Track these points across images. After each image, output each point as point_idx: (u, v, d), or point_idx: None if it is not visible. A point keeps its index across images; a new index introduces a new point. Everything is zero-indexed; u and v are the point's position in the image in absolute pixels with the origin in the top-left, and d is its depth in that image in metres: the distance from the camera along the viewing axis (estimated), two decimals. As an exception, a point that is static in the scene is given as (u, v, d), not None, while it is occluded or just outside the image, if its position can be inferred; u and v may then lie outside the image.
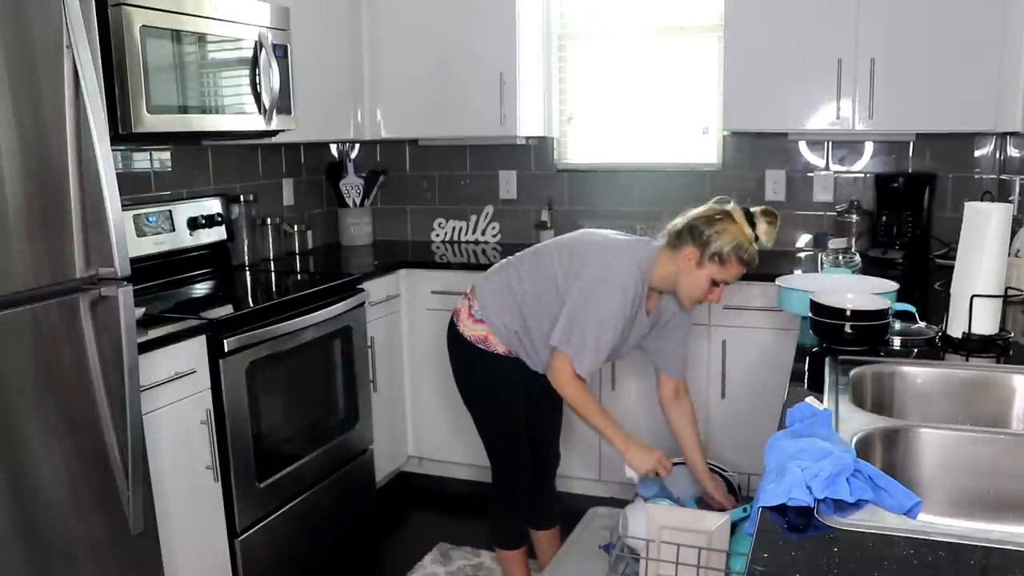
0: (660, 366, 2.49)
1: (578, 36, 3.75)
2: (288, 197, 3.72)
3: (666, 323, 2.42)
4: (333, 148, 4.02)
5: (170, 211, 2.93)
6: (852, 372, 1.74)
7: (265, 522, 2.59)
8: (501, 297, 2.36)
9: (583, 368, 2.22)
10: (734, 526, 2.17)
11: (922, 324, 2.04)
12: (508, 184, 3.89)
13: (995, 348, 1.87)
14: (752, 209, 2.19)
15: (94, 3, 1.85)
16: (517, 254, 2.45)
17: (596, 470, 3.33)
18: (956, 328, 1.91)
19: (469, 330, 2.39)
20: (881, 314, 1.93)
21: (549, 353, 2.30)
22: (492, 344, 2.37)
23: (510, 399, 2.44)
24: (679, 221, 2.24)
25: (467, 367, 2.45)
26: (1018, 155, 3.09)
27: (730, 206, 2.19)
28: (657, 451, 2.28)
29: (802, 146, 3.48)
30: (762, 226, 2.16)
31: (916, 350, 1.93)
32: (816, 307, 1.98)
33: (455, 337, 2.44)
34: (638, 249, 2.28)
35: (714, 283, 2.19)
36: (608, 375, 3.23)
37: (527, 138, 3.71)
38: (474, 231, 3.96)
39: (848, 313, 1.93)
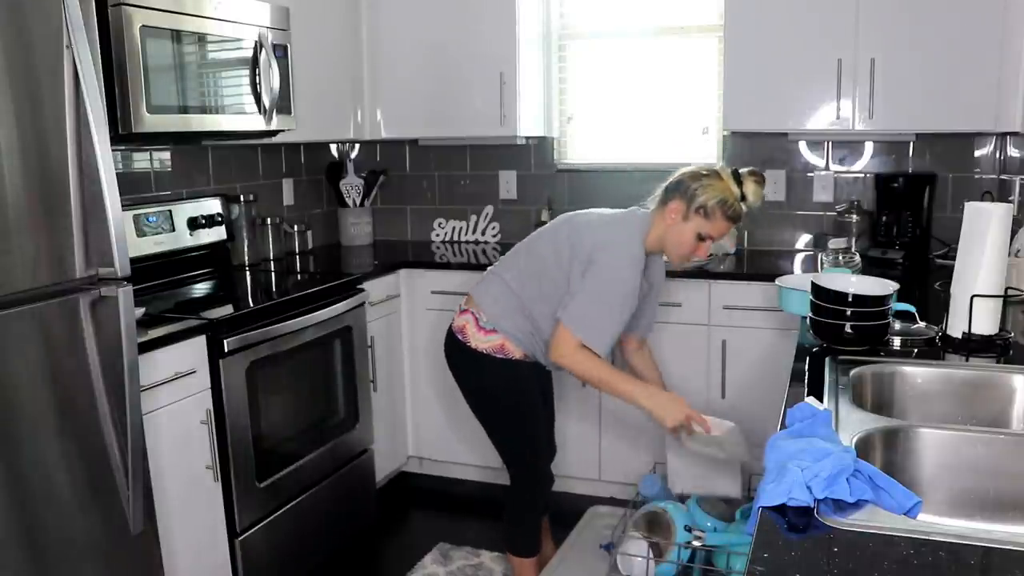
0: (631, 327, 2.47)
1: (578, 36, 3.74)
2: (288, 197, 3.72)
3: (650, 288, 2.44)
4: (333, 148, 4.02)
5: (170, 211, 2.93)
6: (852, 372, 1.74)
7: (265, 522, 2.59)
8: (506, 302, 2.35)
9: (603, 349, 2.22)
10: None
11: (922, 324, 2.04)
12: (508, 184, 3.89)
13: (995, 348, 1.87)
14: (740, 170, 2.27)
15: (94, 3, 1.85)
16: (505, 258, 2.44)
17: (596, 470, 3.33)
18: (956, 328, 1.91)
19: (483, 343, 2.35)
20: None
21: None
22: (510, 351, 2.35)
23: (533, 404, 2.43)
24: (669, 180, 2.31)
25: (486, 381, 2.40)
26: (1018, 155, 3.09)
27: (718, 166, 2.28)
28: (682, 399, 2.25)
29: (802, 146, 3.48)
30: (749, 185, 2.24)
31: (916, 350, 1.92)
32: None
33: (465, 353, 2.38)
34: (632, 218, 2.32)
35: (700, 238, 2.25)
36: (608, 375, 3.22)
37: (527, 138, 3.70)
38: (474, 231, 3.96)
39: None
